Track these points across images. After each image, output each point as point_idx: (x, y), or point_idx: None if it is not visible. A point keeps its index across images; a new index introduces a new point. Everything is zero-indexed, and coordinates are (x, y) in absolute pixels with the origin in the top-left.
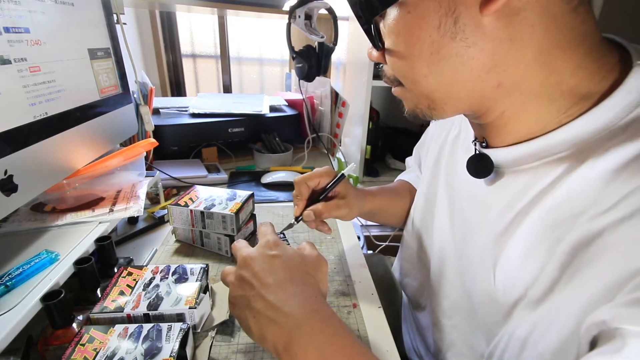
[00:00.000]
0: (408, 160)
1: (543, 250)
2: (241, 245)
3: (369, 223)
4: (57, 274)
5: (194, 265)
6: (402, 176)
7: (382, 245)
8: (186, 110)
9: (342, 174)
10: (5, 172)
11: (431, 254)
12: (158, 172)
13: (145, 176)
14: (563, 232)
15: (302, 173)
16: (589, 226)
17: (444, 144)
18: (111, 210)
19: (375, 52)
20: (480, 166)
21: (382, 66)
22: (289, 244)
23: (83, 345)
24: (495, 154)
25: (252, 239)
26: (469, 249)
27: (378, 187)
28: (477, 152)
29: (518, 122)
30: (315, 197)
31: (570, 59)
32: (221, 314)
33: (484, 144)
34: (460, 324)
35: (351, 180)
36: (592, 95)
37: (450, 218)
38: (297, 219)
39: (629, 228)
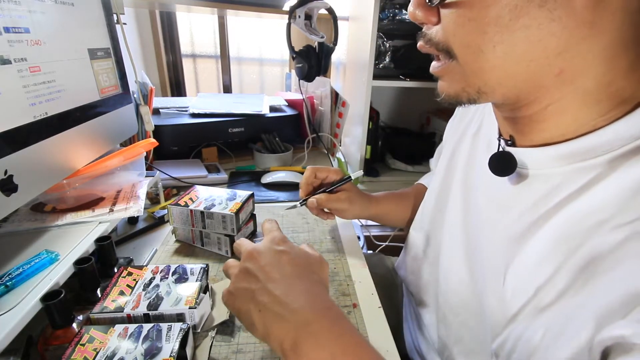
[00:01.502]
0: (431, 161)
1: (560, 254)
2: (244, 242)
3: (369, 223)
4: (57, 274)
5: (194, 265)
6: (422, 180)
7: (382, 245)
8: (186, 110)
9: (349, 177)
10: (5, 172)
11: (440, 250)
12: (158, 172)
13: (145, 176)
14: (584, 238)
15: (302, 173)
16: (612, 235)
17: (461, 140)
18: (111, 210)
19: (419, 12)
20: (503, 164)
21: (423, 31)
22: None
23: (83, 345)
24: (524, 154)
25: (252, 239)
26: (482, 247)
27: (385, 193)
28: (502, 149)
29: (557, 120)
30: (322, 190)
31: (627, 58)
32: (221, 314)
33: (509, 141)
34: (469, 321)
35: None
36: (632, 99)
37: (464, 215)
38: (300, 202)
39: None
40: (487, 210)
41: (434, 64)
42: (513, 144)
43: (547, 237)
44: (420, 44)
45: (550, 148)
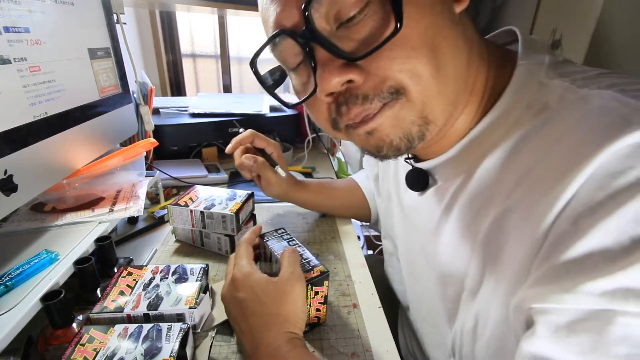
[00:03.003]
0: (364, 159)
1: (468, 242)
2: (229, 266)
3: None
4: (57, 274)
5: (194, 265)
6: (354, 175)
7: (382, 245)
8: (186, 110)
9: (275, 165)
10: (5, 172)
11: (402, 261)
12: (158, 172)
13: (145, 176)
14: (480, 222)
15: (302, 173)
16: (496, 210)
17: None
18: (111, 210)
19: (339, 78)
20: (416, 180)
21: (351, 96)
22: (291, 239)
23: (83, 345)
24: (427, 166)
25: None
26: (418, 251)
27: (316, 182)
28: (412, 167)
29: (456, 130)
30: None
31: (481, 59)
32: (221, 314)
33: (412, 159)
34: (432, 325)
35: None
36: (492, 94)
37: (404, 228)
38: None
39: (525, 207)
40: (412, 217)
41: (378, 117)
42: (417, 160)
43: (453, 230)
44: (356, 110)
45: (444, 155)
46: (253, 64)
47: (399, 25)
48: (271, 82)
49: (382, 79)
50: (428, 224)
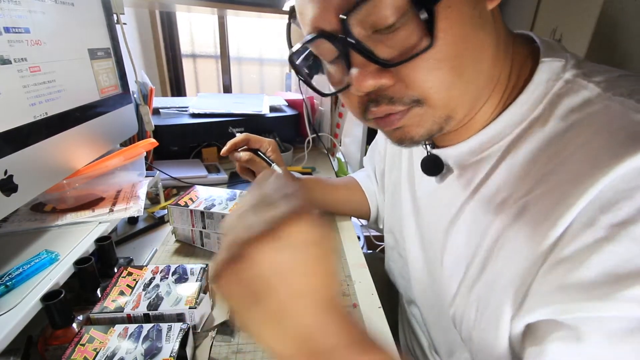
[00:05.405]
0: (364, 159)
1: (479, 233)
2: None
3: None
4: (57, 274)
5: (194, 265)
6: (354, 174)
7: (382, 245)
8: (186, 110)
9: (271, 162)
10: (5, 172)
11: (408, 254)
12: (158, 172)
13: (145, 176)
14: (494, 216)
15: (302, 173)
16: (512, 209)
17: (400, 148)
18: (111, 210)
19: (373, 81)
20: (432, 165)
21: (373, 97)
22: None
23: (83, 345)
24: (445, 153)
25: None
26: (430, 241)
27: (315, 179)
28: (429, 153)
29: (479, 120)
30: (250, 150)
31: (506, 52)
32: (221, 314)
33: (431, 144)
34: (437, 316)
35: None
36: (514, 88)
37: (415, 218)
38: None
39: (542, 207)
40: (429, 209)
41: (391, 119)
42: (434, 146)
43: (468, 222)
44: (383, 108)
45: (463, 144)
46: (292, 60)
47: (431, 42)
48: (307, 72)
49: (407, 85)
50: (446, 212)
